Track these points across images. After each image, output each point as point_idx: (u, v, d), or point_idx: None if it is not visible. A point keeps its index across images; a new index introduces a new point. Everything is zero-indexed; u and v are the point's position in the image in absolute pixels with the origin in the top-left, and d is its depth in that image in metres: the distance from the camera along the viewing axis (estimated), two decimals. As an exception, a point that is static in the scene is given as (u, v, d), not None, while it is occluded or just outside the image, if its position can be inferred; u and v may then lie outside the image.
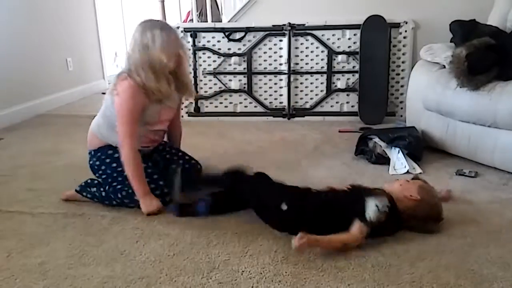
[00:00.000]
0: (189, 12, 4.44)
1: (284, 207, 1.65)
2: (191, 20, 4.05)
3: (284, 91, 3.51)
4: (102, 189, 1.95)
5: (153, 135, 2.04)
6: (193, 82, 3.57)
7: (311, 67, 3.48)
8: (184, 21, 4.50)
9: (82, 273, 1.46)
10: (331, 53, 3.42)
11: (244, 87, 3.55)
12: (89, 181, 2.01)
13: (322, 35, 3.41)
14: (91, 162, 2.03)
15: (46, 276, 1.45)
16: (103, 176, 1.98)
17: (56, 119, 3.70)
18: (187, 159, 2.16)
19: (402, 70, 3.40)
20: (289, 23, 3.40)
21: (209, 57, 3.53)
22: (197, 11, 3.99)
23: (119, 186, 1.91)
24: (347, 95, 3.48)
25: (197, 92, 3.59)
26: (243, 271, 1.45)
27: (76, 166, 2.48)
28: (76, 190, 1.99)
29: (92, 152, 2.03)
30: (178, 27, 3.53)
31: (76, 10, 4.59)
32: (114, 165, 1.94)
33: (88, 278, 1.43)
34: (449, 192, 1.97)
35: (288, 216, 1.64)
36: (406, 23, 3.33)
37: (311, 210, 1.63)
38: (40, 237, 1.71)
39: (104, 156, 1.98)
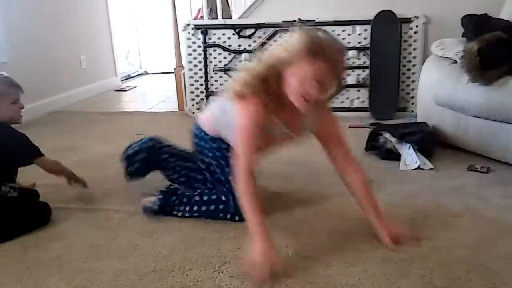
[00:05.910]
0: (199, 9, 4.45)
1: None
2: (202, 17, 4.06)
3: (295, 87, 3.51)
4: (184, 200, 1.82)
5: None
6: (204, 79, 3.60)
7: (322, 63, 3.46)
8: (194, 18, 4.51)
9: (97, 266, 1.49)
10: (342, 49, 3.40)
11: (255, 84, 3.55)
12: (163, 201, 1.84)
13: (333, 30, 3.39)
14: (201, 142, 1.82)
15: (61, 269, 1.49)
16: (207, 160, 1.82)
17: (69, 116, 3.74)
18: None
19: (413, 66, 3.38)
20: (299, 19, 3.40)
21: (219, 54, 3.55)
22: (207, 8, 4.01)
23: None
24: (358, 90, 3.46)
25: (208, 88, 3.61)
26: (254, 265, 1.47)
27: (91, 162, 2.53)
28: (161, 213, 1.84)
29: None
30: (188, 24, 3.55)
31: (89, 8, 4.64)
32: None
33: (102, 271, 1.46)
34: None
35: None
36: (417, 18, 3.31)
37: None
38: (56, 231, 1.75)
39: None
